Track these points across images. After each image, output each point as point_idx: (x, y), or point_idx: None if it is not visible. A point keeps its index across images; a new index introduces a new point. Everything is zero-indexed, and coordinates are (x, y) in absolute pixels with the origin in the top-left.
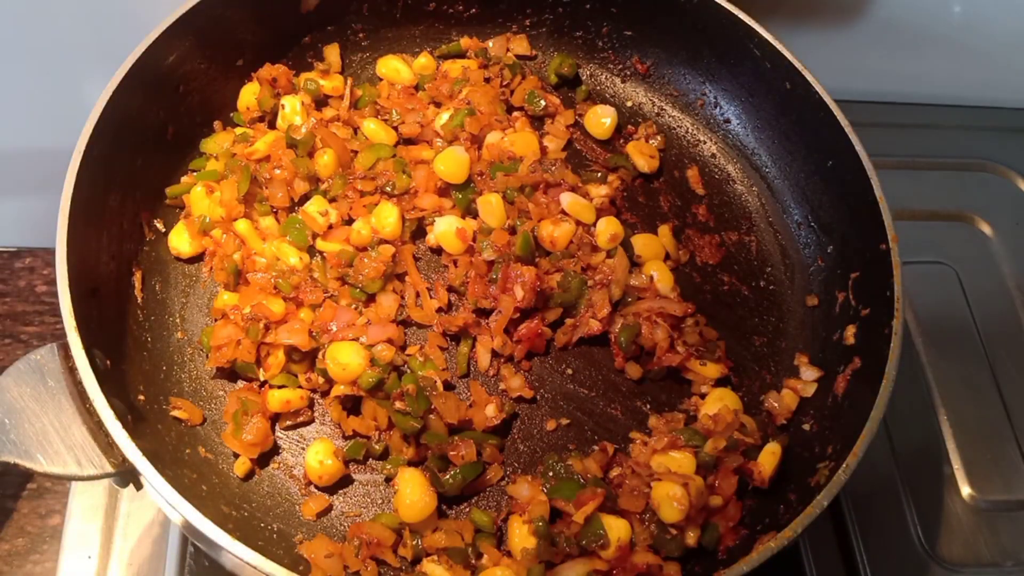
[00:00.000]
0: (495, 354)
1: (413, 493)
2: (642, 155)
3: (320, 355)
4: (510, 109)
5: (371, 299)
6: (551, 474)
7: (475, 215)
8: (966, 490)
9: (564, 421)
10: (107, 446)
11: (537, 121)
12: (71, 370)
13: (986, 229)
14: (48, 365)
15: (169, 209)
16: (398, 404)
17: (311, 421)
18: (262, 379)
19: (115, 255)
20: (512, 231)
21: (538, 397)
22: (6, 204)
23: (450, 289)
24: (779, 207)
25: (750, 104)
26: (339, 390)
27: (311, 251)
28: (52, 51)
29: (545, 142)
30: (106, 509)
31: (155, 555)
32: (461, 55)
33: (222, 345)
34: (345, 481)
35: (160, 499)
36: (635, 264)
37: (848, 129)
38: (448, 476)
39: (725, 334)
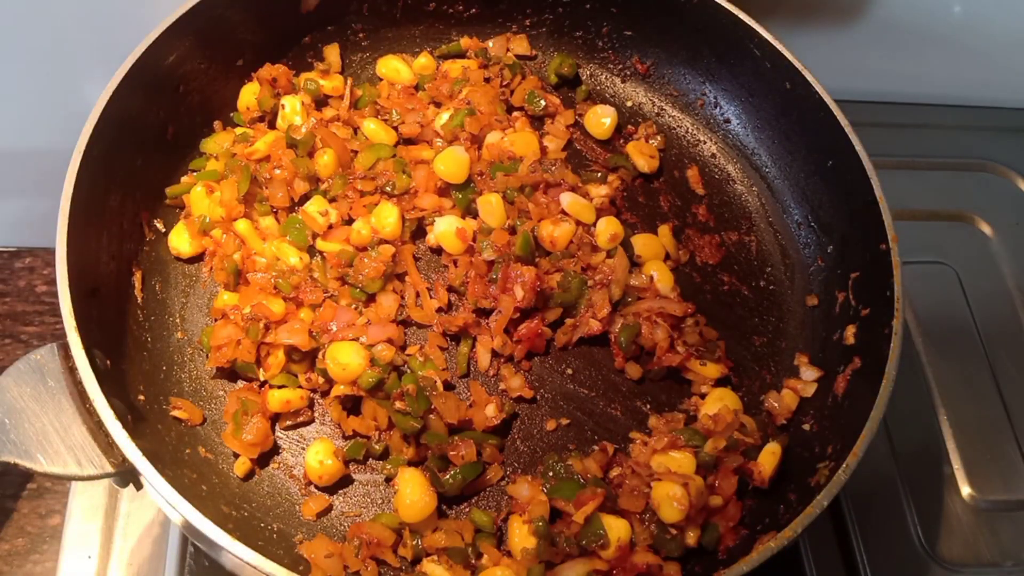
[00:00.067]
0: (495, 354)
1: (413, 493)
2: (642, 155)
3: (320, 355)
4: (510, 109)
5: (371, 299)
6: (551, 474)
7: (475, 215)
8: (966, 490)
9: (564, 421)
10: (107, 446)
11: (537, 121)
12: (71, 370)
13: (986, 229)
14: (48, 365)
15: (169, 209)
16: (398, 404)
17: (311, 421)
18: (262, 379)
19: (115, 255)
20: (512, 231)
21: (538, 397)
22: (6, 204)
23: (450, 289)
24: (779, 207)
25: (750, 104)
26: (339, 390)
27: (311, 251)
28: (52, 51)
29: (545, 142)
30: (106, 509)
31: (155, 555)
32: (461, 55)
33: (222, 345)
34: (345, 481)
35: (160, 499)
36: (635, 264)
37: (848, 129)
38: (448, 476)
39: (725, 334)
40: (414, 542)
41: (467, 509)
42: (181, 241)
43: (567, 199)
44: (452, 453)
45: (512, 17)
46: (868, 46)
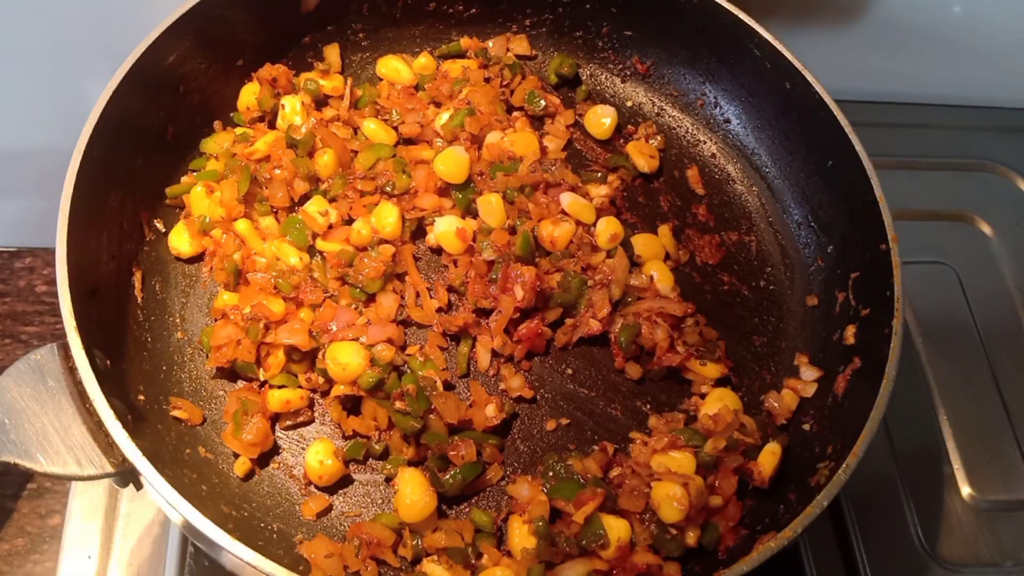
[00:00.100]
0: (495, 354)
1: (413, 493)
2: (642, 155)
3: (320, 355)
4: (510, 109)
5: (371, 299)
6: (551, 474)
7: (475, 215)
8: (966, 490)
9: (564, 421)
10: (107, 446)
11: (537, 121)
12: (71, 370)
13: (986, 229)
14: (48, 365)
15: (169, 209)
16: (398, 404)
17: (311, 421)
18: (262, 379)
19: (115, 255)
20: (512, 231)
21: (538, 397)
22: (6, 204)
23: (450, 289)
24: (779, 207)
25: (750, 104)
26: (339, 390)
27: (311, 251)
28: (52, 51)
29: (545, 142)
30: (106, 509)
31: (155, 555)
32: (461, 55)
33: (222, 345)
34: (345, 481)
35: (160, 499)
36: (635, 264)
37: (848, 129)
38: (448, 476)
39: (725, 334)
40: (414, 542)
41: (467, 509)
42: (181, 241)
43: (567, 199)
44: (452, 453)
45: (512, 17)
46: (868, 46)
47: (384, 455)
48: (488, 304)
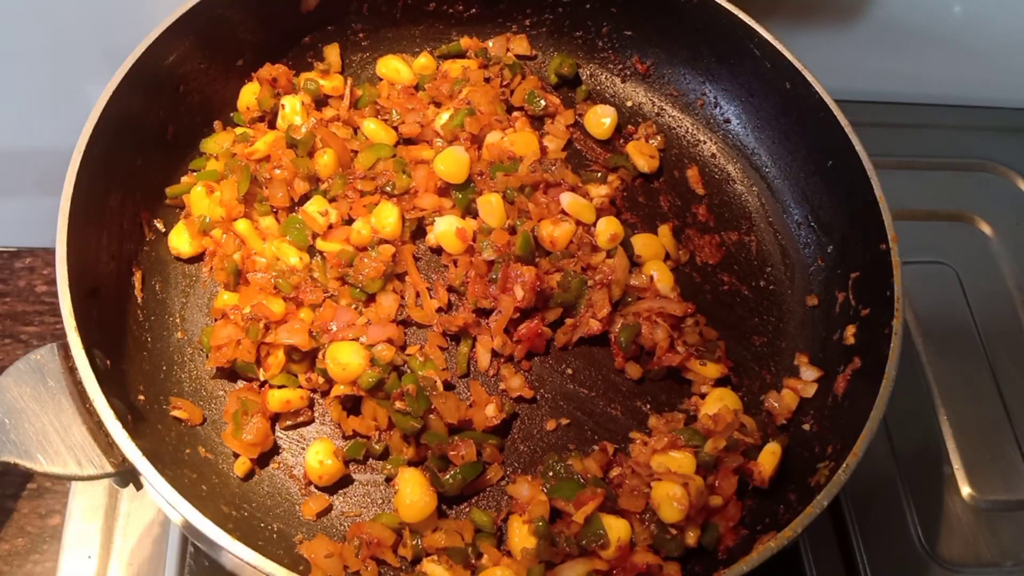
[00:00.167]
0: (495, 354)
1: (413, 493)
2: (642, 155)
3: (320, 355)
4: (510, 109)
5: (371, 299)
6: (551, 474)
7: (475, 215)
8: (966, 490)
9: (564, 421)
10: (107, 446)
11: (537, 121)
12: (71, 370)
13: (986, 229)
14: (48, 365)
15: (169, 209)
16: (398, 404)
17: (311, 421)
18: (262, 379)
19: (115, 255)
20: (512, 231)
21: (538, 397)
22: (6, 204)
23: (450, 289)
24: (779, 207)
25: (750, 104)
26: (339, 390)
27: (311, 251)
28: (52, 51)
29: (545, 142)
30: (106, 509)
31: (155, 555)
32: (461, 55)
33: (222, 345)
34: (345, 481)
35: (160, 499)
36: (635, 264)
37: (848, 129)
38: (448, 476)
39: (725, 334)
40: (414, 542)
41: (467, 509)
42: (181, 241)
43: (567, 199)
44: (452, 453)
45: (512, 17)
46: (868, 46)
47: (384, 455)
48: (488, 304)
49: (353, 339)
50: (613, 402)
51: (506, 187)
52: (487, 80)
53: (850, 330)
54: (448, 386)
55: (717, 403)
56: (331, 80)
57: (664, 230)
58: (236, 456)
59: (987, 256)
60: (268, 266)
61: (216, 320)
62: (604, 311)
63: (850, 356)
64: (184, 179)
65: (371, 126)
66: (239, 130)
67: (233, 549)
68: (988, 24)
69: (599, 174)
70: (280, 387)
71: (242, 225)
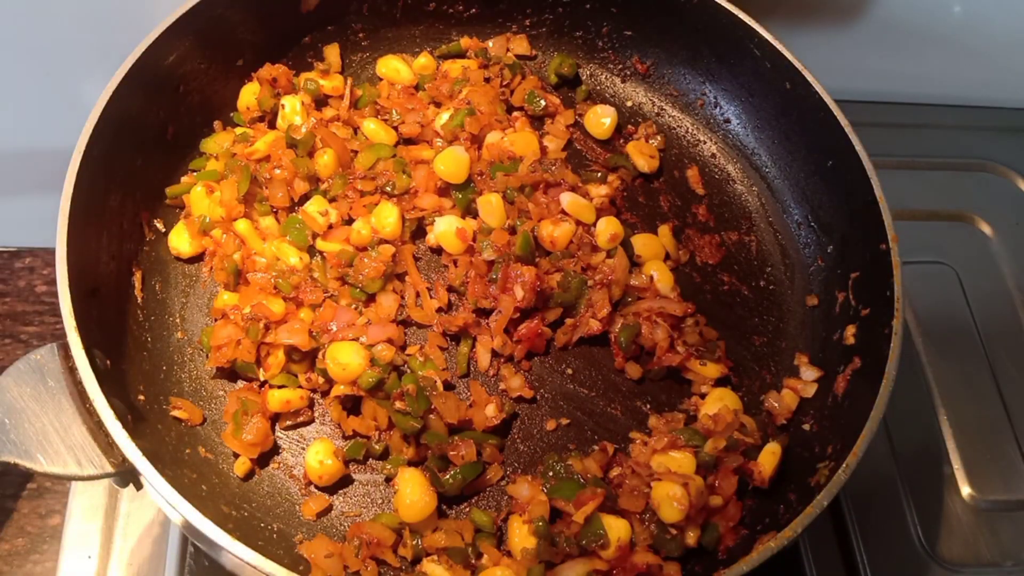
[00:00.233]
0: (495, 354)
1: (413, 493)
2: (642, 155)
3: (320, 355)
4: (510, 109)
5: (371, 299)
6: (551, 474)
7: (475, 215)
8: (966, 490)
9: (564, 421)
10: (107, 446)
11: (537, 121)
12: (71, 370)
13: (986, 229)
14: (48, 365)
15: (169, 209)
16: (398, 404)
17: (311, 421)
18: (262, 379)
19: (115, 255)
20: (512, 231)
21: (538, 397)
22: (6, 204)
23: (450, 289)
24: (779, 207)
25: (750, 104)
26: (339, 390)
27: (311, 251)
28: (52, 51)
29: (545, 142)
30: (106, 509)
31: (155, 555)
32: (461, 55)
33: (222, 345)
34: (345, 481)
35: (160, 499)
36: (635, 264)
37: (848, 129)
38: (448, 476)
39: (725, 334)
40: (414, 542)
41: (467, 509)
42: (181, 241)
43: (567, 199)
44: (452, 453)
45: (512, 17)
46: (868, 46)
47: (384, 455)
48: (488, 304)
49: (353, 339)
50: (613, 402)
51: (506, 187)
52: (487, 80)
53: (850, 330)
54: (448, 386)
55: (717, 403)
56: (331, 80)
57: (664, 230)
58: (236, 456)
59: (987, 256)
60: (268, 266)
61: (216, 320)
62: (604, 311)
63: (850, 356)
64: (184, 179)
65: (371, 126)
66: (239, 130)
67: (233, 549)
68: (988, 24)
69: (599, 174)
70: (280, 387)
71: (242, 225)
